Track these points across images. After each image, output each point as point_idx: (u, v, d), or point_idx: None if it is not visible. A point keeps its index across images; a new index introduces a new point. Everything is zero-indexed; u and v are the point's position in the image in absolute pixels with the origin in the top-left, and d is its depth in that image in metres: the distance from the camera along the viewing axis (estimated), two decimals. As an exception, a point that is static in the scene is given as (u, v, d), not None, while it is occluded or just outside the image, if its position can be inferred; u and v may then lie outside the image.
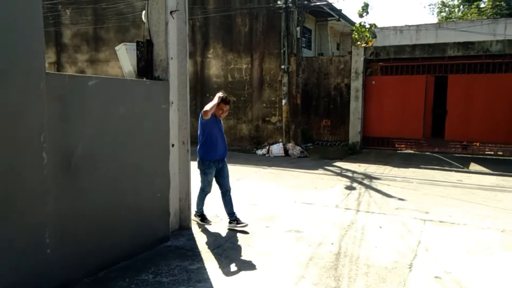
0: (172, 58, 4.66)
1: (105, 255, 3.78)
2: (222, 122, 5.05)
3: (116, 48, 4.79)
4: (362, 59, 12.08)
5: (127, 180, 4.02)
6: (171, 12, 4.56)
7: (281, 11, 12.35)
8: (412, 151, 12.08)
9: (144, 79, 4.54)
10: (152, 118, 4.32)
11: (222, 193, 5.15)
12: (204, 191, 5.16)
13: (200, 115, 4.83)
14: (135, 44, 4.57)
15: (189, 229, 5.00)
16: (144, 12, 4.63)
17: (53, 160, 3.23)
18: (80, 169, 3.49)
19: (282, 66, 12.57)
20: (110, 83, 3.93)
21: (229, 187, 5.17)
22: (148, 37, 4.58)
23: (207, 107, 4.67)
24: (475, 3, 25.04)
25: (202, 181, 5.10)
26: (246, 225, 5.04)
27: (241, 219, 5.13)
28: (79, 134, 3.49)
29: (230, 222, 5.09)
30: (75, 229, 3.47)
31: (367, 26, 13.53)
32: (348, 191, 7.28)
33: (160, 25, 4.53)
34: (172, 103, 4.72)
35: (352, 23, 16.50)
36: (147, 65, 4.54)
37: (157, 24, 4.53)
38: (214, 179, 5.11)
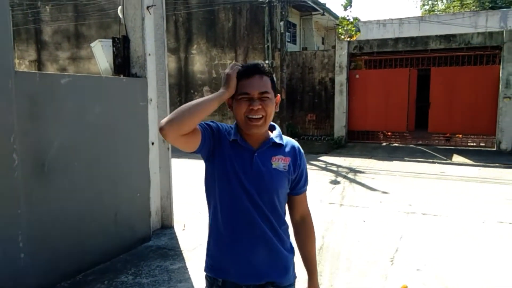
0: (150, 55, 4.56)
1: (83, 258, 3.70)
2: (279, 161, 1.60)
3: (92, 44, 4.68)
4: (345, 53, 12.09)
5: (104, 180, 3.93)
6: (147, 8, 4.46)
7: (264, 5, 12.28)
8: (396, 144, 12.18)
9: (121, 76, 4.45)
10: (130, 116, 4.23)
11: None
12: None
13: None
14: (111, 40, 4.46)
15: (171, 228, 4.93)
16: (120, 7, 4.53)
17: (24, 161, 3.13)
18: (54, 170, 3.40)
19: (266, 61, 12.51)
20: (85, 81, 3.83)
21: None
22: (125, 33, 4.49)
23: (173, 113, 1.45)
24: (458, -4, 25.25)
25: None
26: None
27: None
28: (52, 134, 3.40)
29: None
30: (50, 232, 3.38)
31: (351, 19, 13.53)
32: (332, 186, 7.29)
33: (136, 21, 4.43)
34: (151, 100, 4.64)
35: (337, 17, 16.51)
36: (124, 62, 4.45)
37: (133, 20, 4.43)
38: None
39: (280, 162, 1.59)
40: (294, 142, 1.69)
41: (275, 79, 1.62)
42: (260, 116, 1.52)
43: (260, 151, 1.58)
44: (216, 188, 1.59)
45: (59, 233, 3.47)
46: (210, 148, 1.55)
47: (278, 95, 1.61)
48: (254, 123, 1.52)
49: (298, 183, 1.67)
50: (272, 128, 1.66)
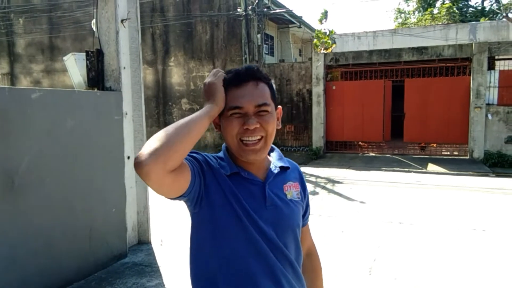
0: (124, 68, 4.52)
1: (55, 276, 3.58)
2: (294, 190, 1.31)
3: (64, 58, 4.60)
4: (322, 65, 12.28)
5: (78, 196, 3.84)
6: (122, 21, 4.43)
7: (241, 18, 12.38)
8: (373, 154, 12.37)
9: (95, 90, 4.38)
10: (104, 130, 4.16)
11: None
12: None
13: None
14: (84, 54, 4.40)
15: (149, 243, 4.84)
16: (93, 21, 4.48)
17: (-7, 178, 3.03)
18: (24, 186, 3.29)
19: (245, 73, 12.58)
20: (56, 95, 3.75)
21: None
22: (99, 47, 4.43)
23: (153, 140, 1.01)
24: (429, 9, 26.13)
25: None
26: None
27: None
28: (23, 149, 3.30)
29: None
30: (20, 251, 3.26)
31: (327, 32, 13.77)
32: (311, 196, 7.32)
33: (110, 34, 4.39)
34: (126, 114, 4.57)
35: (313, 30, 16.80)
36: (97, 76, 4.39)
37: (107, 33, 4.39)
38: None
39: (293, 191, 1.29)
40: (294, 163, 1.41)
41: (274, 86, 1.25)
42: (259, 137, 1.17)
43: (270, 181, 1.24)
44: (220, 240, 1.17)
45: (30, 251, 3.36)
46: (201, 188, 1.16)
47: (280, 107, 1.27)
48: (251, 148, 1.16)
49: (306, 212, 1.39)
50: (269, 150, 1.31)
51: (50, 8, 14.97)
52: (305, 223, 1.40)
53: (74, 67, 4.45)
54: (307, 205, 1.39)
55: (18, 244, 3.25)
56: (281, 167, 1.29)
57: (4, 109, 3.15)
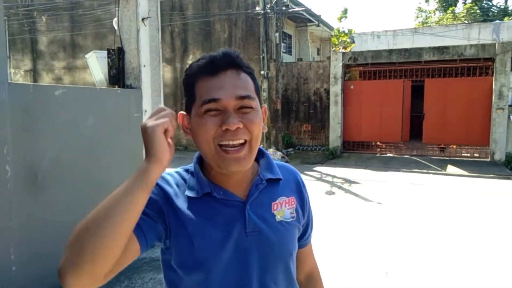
0: (144, 66, 4.58)
1: (75, 270, 3.66)
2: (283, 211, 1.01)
3: (86, 56, 4.69)
4: (340, 64, 12.19)
5: (98, 192, 3.90)
6: (142, 20, 4.49)
7: (259, 17, 12.39)
8: (391, 155, 12.22)
9: (116, 87, 4.46)
10: (124, 128, 4.23)
11: None
12: None
13: None
14: (106, 52, 4.48)
15: (165, 239, 4.90)
16: (115, 19, 4.55)
17: (17, 173, 3.11)
18: (47, 182, 3.38)
19: (262, 72, 12.59)
20: (78, 92, 3.83)
21: None
22: (120, 45, 4.50)
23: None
24: (450, 8, 25.66)
25: None
26: None
27: None
28: (46, 145, 3.38)
29: None
30: (42, 245, 3.34)
31: (346, 31, 13.66)
32: (328, 196, 7.29)
33: (131, 32, 4.45)
34: (146, 111, 4.63)
35: (332, 28, 16.68)
36: (118, 73, 4.46)
37: (128, 31, 4.46)
38: None
39: (285, 209, 1.00)
40: (292, 169, 1.10)
41: (257, 78, 0.99)
42: (242, 141, 0.89)
43: (253, 200, 0.96)
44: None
45: (52, 245, 3.42)
46: (162, 236, 0.94)
47: (264, 105, 1.00)
48: (233, 155, 0.88)
49: (306, 231, 1.12)
50: (257, 154, 1.00)
51: (72, 6, 15.26)
52: (305, 244, 1.14)
53: (96, 65, 4.53)
54: (308, 223, 1.11)
55: (41, 238, 3.33)
56: (269, 180, 1.00)
57: (29, 105, 3.24)
